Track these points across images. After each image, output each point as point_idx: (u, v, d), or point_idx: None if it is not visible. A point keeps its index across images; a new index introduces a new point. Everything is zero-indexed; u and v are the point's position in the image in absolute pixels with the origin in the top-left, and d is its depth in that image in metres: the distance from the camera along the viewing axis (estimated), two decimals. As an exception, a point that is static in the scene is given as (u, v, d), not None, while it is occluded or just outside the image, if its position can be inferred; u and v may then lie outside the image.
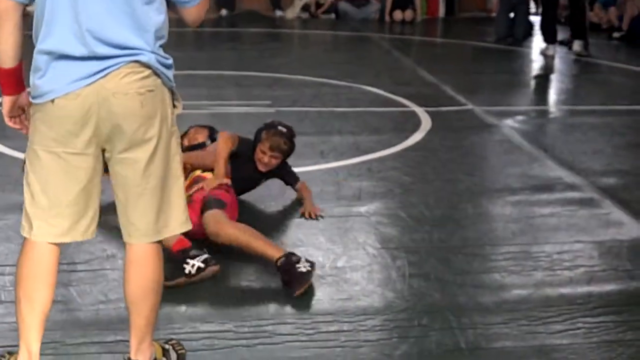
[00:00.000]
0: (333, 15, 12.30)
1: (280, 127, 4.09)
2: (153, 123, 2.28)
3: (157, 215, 2.36)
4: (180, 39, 10.35)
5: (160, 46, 2.31)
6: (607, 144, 5.63)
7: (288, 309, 3.10)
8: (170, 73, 2.33)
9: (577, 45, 9.13)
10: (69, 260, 3.40)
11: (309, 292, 3.26)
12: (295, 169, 4.76)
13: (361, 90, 7.18)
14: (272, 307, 3.11)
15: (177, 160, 2.40)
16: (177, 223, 2.42)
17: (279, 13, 12.36)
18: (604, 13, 11.23)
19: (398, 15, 11.92)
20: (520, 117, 6.44)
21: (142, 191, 2.32)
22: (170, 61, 2.33)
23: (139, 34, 2.23)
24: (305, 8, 12.36)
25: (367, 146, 5.39)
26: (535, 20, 10.78)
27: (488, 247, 3.77)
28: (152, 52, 2.26)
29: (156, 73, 2.27)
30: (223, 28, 11.31)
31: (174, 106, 2.39)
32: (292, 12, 12.35)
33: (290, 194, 4.31)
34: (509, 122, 6.17)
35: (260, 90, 7.10)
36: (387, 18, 11.97)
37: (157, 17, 2.27)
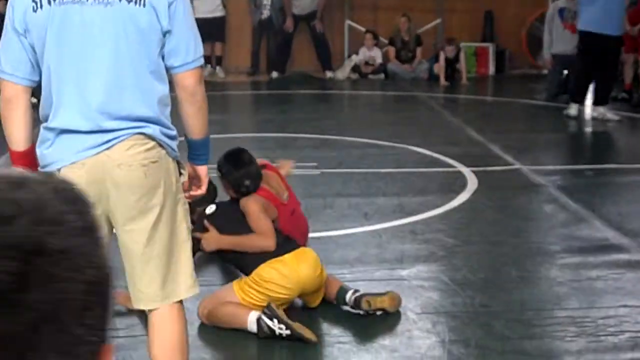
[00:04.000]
0: (382, 76, 12.42)
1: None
2: (156, 192, 2.35)
3: (164, 281, 2.42)
4: (229, 102, 10.57)
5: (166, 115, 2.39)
6: (657, 203, 5.53)
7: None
8: (174, 144, 2.41)
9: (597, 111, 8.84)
10: (111, 327, 3.45)
11: (347, 359, 3.25)
12: (339, 232, 4.80)
13: (408, 151, 7.20)
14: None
15: (183, 227, 2.46)
16: (185, 287, 2.48)
17: (329, 74, 12.52)
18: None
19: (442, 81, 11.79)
20: (567, 177, 6.37)
21: (148, 259, 2.39)
22: (174, 132, 2.41)
23: (146, 103, 2.32)
24: (355, 69, 12.50)
25: (412, 207, 5.39)
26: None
27: (531, 312, 3.71)
28: (158, 124, 2.34)
29: (160, 144, 2.35)
30: (274, 90, 11.50)
31: (180, 174, 2.47)
32: (342, 73, 12.49)
33: (330, 259, 4.34)
34: (556, 181, 6.10)
35: (307, 152, 7.17)
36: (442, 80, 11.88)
37: (160, 85, 2.36)
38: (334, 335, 3.45)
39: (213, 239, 3.62)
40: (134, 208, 2.34)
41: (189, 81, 2.39)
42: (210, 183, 3.86)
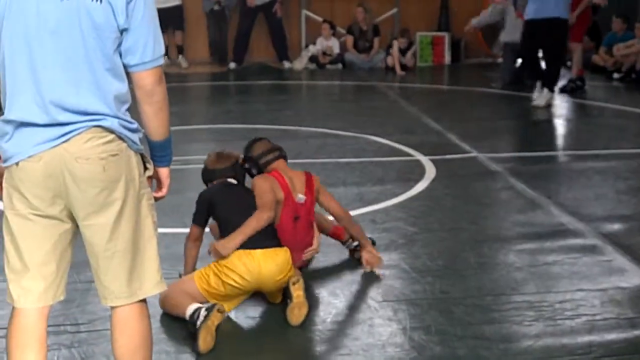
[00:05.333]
0: (340, 66, 12.45)
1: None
2: (117, 186, 2.33)
3: (129, 279, 2.41)
4: (188, 93, 10.50)
5: (127, 110, 2.37)
6: (610, 188, 5.64)
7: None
8: (135, 136, 2.38)
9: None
10: (73, 322, 3.44)
11: (309, 348, 3.28)
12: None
13: (366, 141, 7.24)
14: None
15: (148, 222, 2.44)
16: (152, 284, 2.46)
17: (287, 64, 12.51)
18: (609, 56, 11.30)
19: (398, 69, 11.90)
20: (523, 163, 6.47)
21: (111, 255, 2.37)
22: (135, 125, 2.39)
23: (101, 99, 2.29)
24: (312, 59, 12.51)
25: (371, 197, 5.43)
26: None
27: (489, 298, 3.77)
28: (115, 117, 2.32)
29: (120, 137, 2.33)
30: (231, 81, 11.46)
31: (146, 168, 2.44)
32: (299, 64, 12.49)
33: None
34: (512, 168, 6.20)
35: (267, 143, 7.16)
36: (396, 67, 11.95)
37: (117, 83, 2.33)
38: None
39: (221, 246, 3.51)
40: (94, 202, 2.31)
41: (146, 81, 2.36)
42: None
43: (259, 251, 3.50)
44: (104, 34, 2.27)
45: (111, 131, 2.31)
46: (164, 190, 2.57)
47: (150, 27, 2.33)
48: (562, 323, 3.48)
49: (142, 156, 2.44)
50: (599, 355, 3.19)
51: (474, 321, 3.50)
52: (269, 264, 3.49)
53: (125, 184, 2.34)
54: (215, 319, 3.28)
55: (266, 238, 3.58)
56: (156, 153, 2.49)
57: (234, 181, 3.89)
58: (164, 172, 2.54)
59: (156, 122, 2.41)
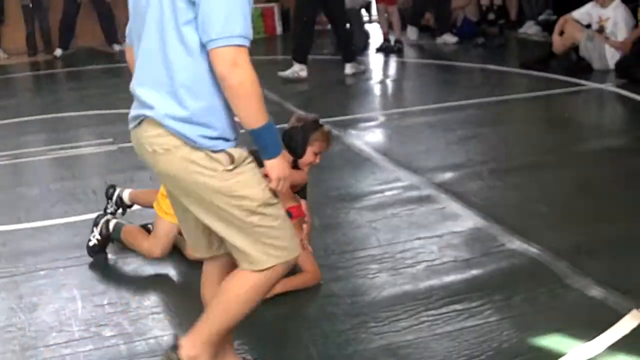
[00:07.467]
0: (172, 44, 12.28)
1: (315, 121, 3.76)
2: None
3: None
4: (13, 85, 10.06)
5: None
6: (440, 140, 5.93)
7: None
8: None
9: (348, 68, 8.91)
10: None
11: (141, 317, 3.29)
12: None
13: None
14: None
15: None
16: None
17: (117, 47, 12.18)
18: (430, 14, 11.71)
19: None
20: (360, 125, 6.66)
21: None
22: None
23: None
24: (143, 39, 12.26)
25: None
26: (370, 29, 11.14)
27: (334, 257, 3.90)
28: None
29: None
30: (59, 69, 11.05)
31: None
32: (130, 45, 12.21)
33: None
34: (350, 131, 6.37)
35: (103, 128, 7.00)
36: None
37: None
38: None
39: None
40: None
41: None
42: None
43: None
44: None
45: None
46: (273, 184, 2.49)
47: None
48: (403, 272, 3.65)
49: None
50: (440, 297, 3.37)
51: (322, 280, 3.61)
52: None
53: None
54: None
55: None
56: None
57: None
58: (266, 164, 2.49)
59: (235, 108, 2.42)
